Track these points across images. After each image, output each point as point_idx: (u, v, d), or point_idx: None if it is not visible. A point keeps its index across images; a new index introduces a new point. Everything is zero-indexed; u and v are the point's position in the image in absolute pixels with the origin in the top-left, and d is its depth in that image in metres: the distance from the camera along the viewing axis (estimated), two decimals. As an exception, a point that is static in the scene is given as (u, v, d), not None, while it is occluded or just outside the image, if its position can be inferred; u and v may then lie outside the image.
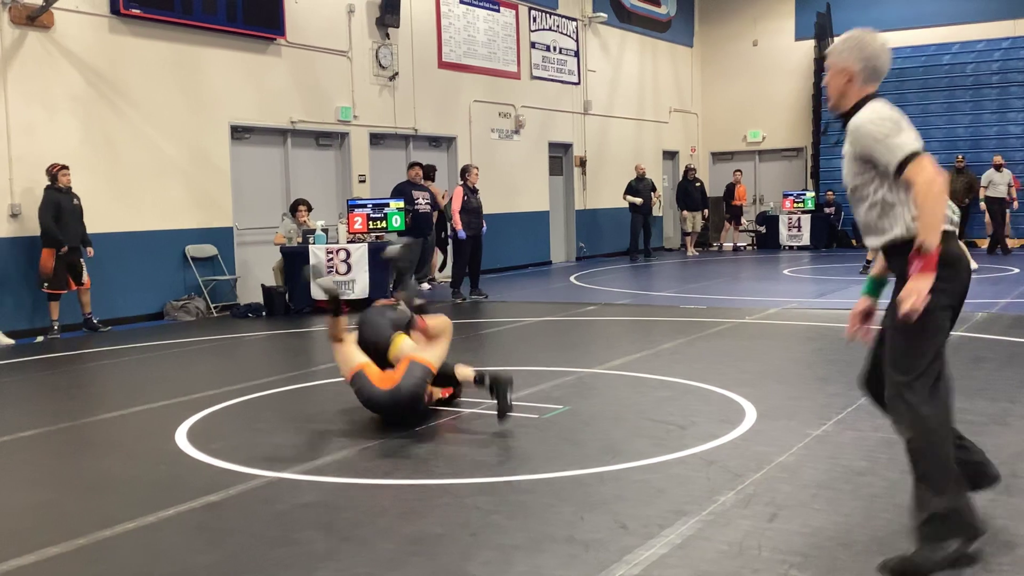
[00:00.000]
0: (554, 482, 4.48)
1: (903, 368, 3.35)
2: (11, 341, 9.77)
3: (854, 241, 20.46)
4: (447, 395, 6.08)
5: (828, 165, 21.59)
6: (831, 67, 3.52)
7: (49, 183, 10.08)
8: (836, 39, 3.59)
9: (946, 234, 3.26)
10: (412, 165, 13.87)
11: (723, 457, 4.80)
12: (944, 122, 20.74)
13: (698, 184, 20.19)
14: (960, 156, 19.41)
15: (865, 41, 3.47)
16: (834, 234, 20.64)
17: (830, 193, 20.83)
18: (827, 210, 20.62)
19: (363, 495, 4.45)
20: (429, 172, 14.25)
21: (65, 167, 10.17)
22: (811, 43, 22.26)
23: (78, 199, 10.30)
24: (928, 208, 3.20)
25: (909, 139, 3.30)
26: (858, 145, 3.38)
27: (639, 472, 4.60)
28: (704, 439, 5.13)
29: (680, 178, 20.96)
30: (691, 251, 20.10)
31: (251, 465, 4.89)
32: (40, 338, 10.07)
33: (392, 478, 4.70)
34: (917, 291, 3.19)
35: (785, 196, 20.78)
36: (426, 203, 13.53)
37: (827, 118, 21.68)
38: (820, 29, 22.10)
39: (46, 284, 10.08)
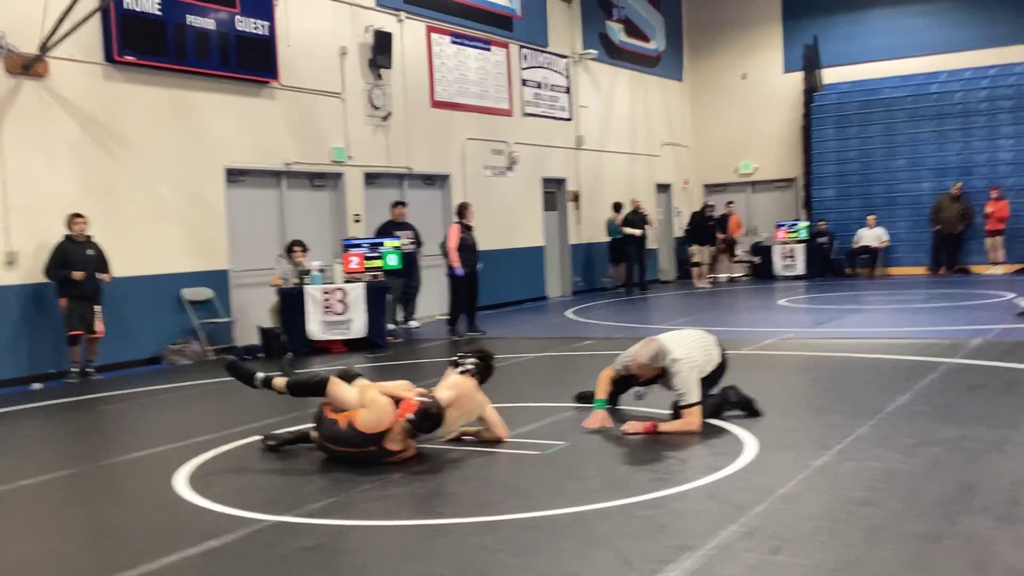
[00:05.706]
0: (557, 519, 4.47)
1: None
2: None
3: (848, 269, 20.54)
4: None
5: (820, 195, 21.73)
6: None
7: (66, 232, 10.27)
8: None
9: None
10: (395, 204, 13.93)
11: (725, 490, 4.80)
12: (935, 150, 20.90)
13: (711, 223, 20.45)
14: (959, 183, 19.58)
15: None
16: (828, 263, 20.70)
17: (822, 223, 20.93)
18: (820, 239, 20.70)
19: (365, 537, 4.43)
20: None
21: (78, 215, 10.28)
22: (800, 75, 22.52)
23: (95, 249, 10.38)
24: None
25: None
26: None
27: (641, 507, 4.60)
28: (705, 472, 5.14)
29: (694, 213, 21.13)
30: (700, 283, 20.16)
31: (252, 509, 4.87)
32: (37, 385, 10.04)
33: (394, 519, 4.69)
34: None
35: (778, 226, 20.88)
36: (410, 242, 13.58)
37: (817, 148, 21.88)
38: (808, 61, 22.38)
39: (64, 327, 10.19)
